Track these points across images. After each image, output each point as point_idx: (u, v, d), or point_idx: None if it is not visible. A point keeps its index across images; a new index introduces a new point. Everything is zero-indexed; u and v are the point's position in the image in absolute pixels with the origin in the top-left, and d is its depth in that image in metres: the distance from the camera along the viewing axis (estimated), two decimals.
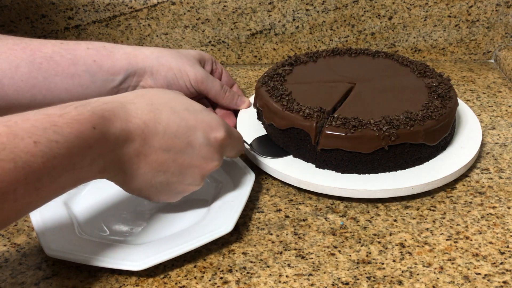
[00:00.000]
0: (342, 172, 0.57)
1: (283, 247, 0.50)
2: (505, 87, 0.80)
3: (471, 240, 0.50)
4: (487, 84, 0.81)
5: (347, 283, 0.46)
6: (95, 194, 0.55)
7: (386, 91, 0.63)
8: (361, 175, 0.56)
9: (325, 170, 0.57)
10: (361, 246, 0.50)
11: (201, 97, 0.66)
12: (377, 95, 0.62)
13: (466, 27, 0.86)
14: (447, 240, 0.50)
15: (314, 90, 0.63)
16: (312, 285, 0.46)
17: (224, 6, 0.83)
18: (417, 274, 0.46)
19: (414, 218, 0.53)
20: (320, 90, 0.63)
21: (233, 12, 0.83)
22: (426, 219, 0.53)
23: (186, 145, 0.46)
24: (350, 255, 0.49)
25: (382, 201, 0.56)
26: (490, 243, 0.50)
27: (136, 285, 0.46)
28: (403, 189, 0.54)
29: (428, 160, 0.58)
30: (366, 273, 0.47)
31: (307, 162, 0.58)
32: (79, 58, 0.58)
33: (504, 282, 0.46)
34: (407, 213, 0.54)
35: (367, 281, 0.46)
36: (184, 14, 0.83)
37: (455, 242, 0.50)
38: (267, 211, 0.55)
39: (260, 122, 0.66)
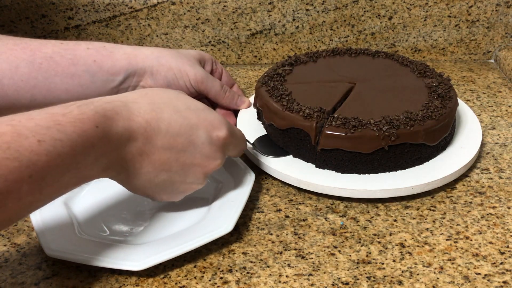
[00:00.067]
0: (342, 172, 0.57)
1: (283, 247, 0.50)
2: (505, 87, 0.80)
3: (471, 240, 0.50)
4: (487, 84, 0.81)
5: (347, 283, 0.46)
6: (95, 194, 0.55)
7: (386, 91, 0.63)
8: (361, 175, 0.56)
9: (325, 170, 0.57)
10: (361, 246, 0.50)
11: (201, 97, 0.66)
12: (377, 95, 0.62)
13: (466, 27, 0.86)
14: (447, 240, 0.50)
15: (314, 90, 0.63)
16: (312, 285, 0.46)
17: (224, 6, 0.83)
18: (417, 274, 0.46)
19: (414, 218, 0.53)
20: (320, 90, 0.63)
21: (233, 12, 0.83)
22: (426, 219, 0.53)
23: (188, 143, 0.46)
24: (350, 255, 0.49)
25: (382, 201, 0.56)
26: (490, 243, 0.50)
27: (136, 285, 0.46)
28: (403, 189, 0.54)
29: (428, 160, 0.58)
30: (366, 273, 0.47)
31: (307, 162, 0.58)
32: (79, 58, 0.58)
33: (504, 282, 0.46)
34: (407, 213, 0.54)
35: (367, 281, 0.46)
36: (184, 14, 0.84)
37: (455, 242, 0.50)
38: (267, 211, 0.55)
39: (260, 122, 0.66)
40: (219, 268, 0.47)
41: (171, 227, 0.51)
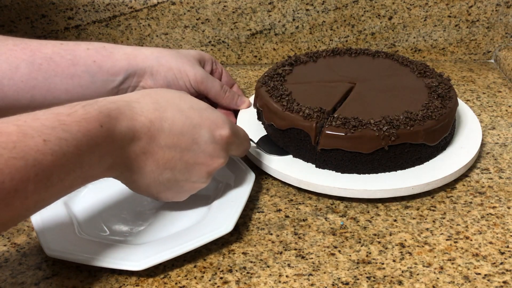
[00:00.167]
0: (342, 172, 0.57)
1: (283, 247, 0.50)
2: (505, 87, 0.80)
3: (471, 240, 0.50)
4: (487, 84, 0.81)
5: (347, 283, 0.46)
6: (95, 194, 0.55)
7: (386, 91, 0.63)
8: (361, 175, 0.56)
9: (325, 170, 0.57)
10: (361, 246, 0.50)
11: (201, 97, 0.66)
12: (377, 95, 0.62)
13: (466, 27, 0.86)
14: (447, 240, 0.50)
15: (314, 90, 0.63)
16: (312, 285, 0.46)
17: (224, 6, 0.83)
18: (417, 274, 0.46)
19: (414, 218, 0.53)
20: (320, 90, 0.63)
21: (233, 12, 0.84)
22: (426, 219, 0.53)
23: (191, 142, 0.46)
24: (350, 255, 0.49)
25: (382, 201, 0.56)
26: (490, 243, 0.50)
27: (136, 285, 0.46)
28: (403, 189, 0.54)
29: (428, 160, 0.58)
30: (366, 273, 0.47)
31: (307, 162, 0.58)
32: (79, 59, 0.58)
33: (504, 282, 0.46)
34: (407, 213, 0.54)
35: (367, 281, 0.46)
36: (184, 14, 0.84)
37: (455, 242, 0.50)
38: (267, 211, 0.55)
39: (260, 122, 0.66)
40: (219, 268, 0.47)
41: (171, 227, 0.51)
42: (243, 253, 0.49)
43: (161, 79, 0.62)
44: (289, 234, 0.51)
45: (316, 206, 0.55)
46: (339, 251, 0.49)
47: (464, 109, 0.68)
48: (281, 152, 0.60)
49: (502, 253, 0.49)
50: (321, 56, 0.72)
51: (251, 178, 0.55)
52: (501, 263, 0.48)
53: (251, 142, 0.58)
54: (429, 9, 0.84)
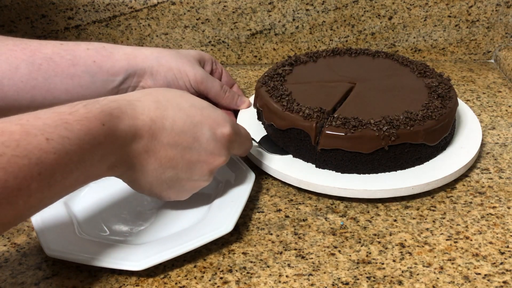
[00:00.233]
0: (342, 172, 0.57)
1: (283, 247, 0.50)
2: (505, 87, 0.80)
3: (471, 240, 0.50)
4: (487, 84, 0.81)
5: (347, 283, 0.46)
6: (95, 194, 0.55)
7: (386, 91, 0.63)
8: (361, 175, 0.56)
9: (325, 170, 0.57)
10: (361, 246, 0.50)
11: (201, 97, 0.66)
12: (377, 95, 0.62)
13: (466, 27, 0.86)
14: (447, 240, 0.50)
15: (314, 90, 0.63)
16: (312, 285, 0.46)
17: (224, 6, 0.83)
18: (417, 274, 0.46)
19: (414, 218, 0.53)
20: (320, 90, 0.63)
21: (233, 12, 0.84)
22: (426, 219, 0.53)
23: (193, 140, 0.46)
24: (350, 255, 0.49)
25: (382, 201, 0.56)
26: (490, 243, 0.50)
27: (136, 285, 0.46)
28: (403, 189, 0.54)
29: (428, 160, 0.58)
30: (366, 273, 0.47)
31: (307, 162, 0.58)
32: (79, 59, 0.58)
33: (504, 282, 0.46)
34: (407, 213, 0.54)
35: (367, 281, 0.46)
36: (184, 14, 0.84)
37: (455, 242, 0.50)
38: (267, 211, 0.55)
39: (260, 122, 0.66)
40: (219, 268, 0.48)
41: (171, 227, 0.51)
42: (243, 253, 0.49)
43: (161, 79, 0.62)
44: (289, 234, 0.51)
45: (316, 206, 0.55)
46: (339, 251, 0.49)
47: (464, 109, 0.68)
48: (283, 151, 0.60)
49: (502, 253, 0.49)
50: (321, 56, 0.72)
51: (251, 178, 0.55)
52: (501, 263, 0.48)
53: (253, 141, 0.58)
54: (429, 9, 0.84)
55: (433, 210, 0.54)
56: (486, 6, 0.84)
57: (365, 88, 0.64)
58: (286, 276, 0.46)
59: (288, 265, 0.48)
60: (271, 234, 0.52)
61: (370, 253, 0.49)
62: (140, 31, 0.85)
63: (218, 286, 0.46)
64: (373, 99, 0.61)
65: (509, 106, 0.74)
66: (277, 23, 0.85)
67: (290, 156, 0.60)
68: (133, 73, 0.61)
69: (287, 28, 0.85)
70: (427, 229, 0.52)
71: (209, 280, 0.46)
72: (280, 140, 0.60)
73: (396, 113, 0.57)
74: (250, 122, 0.66)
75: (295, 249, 0.49)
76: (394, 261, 0.48)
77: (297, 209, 0.55)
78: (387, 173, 0.56)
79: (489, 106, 0.74)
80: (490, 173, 0.60)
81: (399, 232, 0.52)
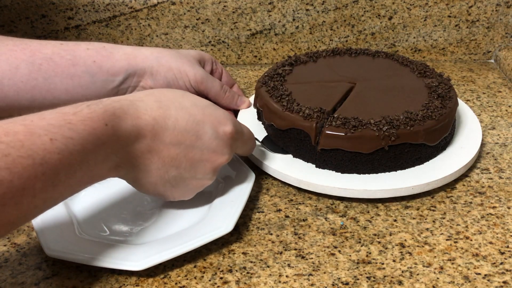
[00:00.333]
0: (342, 172, 0.57)
1: (283, 247, 0.50)
2: (505, 87, 0.80)
3: (471, 240, 0.50)
4: (487, 84, 0.81)
5: (347, 283, 0.46)
6: (95, 194, 0.55)
7: (386, 91, 0.63)
8: (361, 175, 0.56)
9: (325, 170, 0.57)
10: (361, 246, 0.50)
11: (201, 97, 0.66)
12: (377, 95, 0.62)
13: (466, 27, 0.86)
14: (447, 240, 0.50)
15: (314, 90, 0.63)
16: (312, 285, 0.46)
17: (224, 6, 0.83)
18: (417, 274, 0.46)
19: (414, 218, 0.53)
20: (320, 90, 0.63)
21: (233, 12, 0.84)
22: (426, 219, 0.53)
23: (196, 139, 0.47)
24: (350, 255, 0.49)
25: (382, 201, 0.56)
26: (490, 243, 0.50)
27: (136, 285, 0.46)
28: (403, 189, 0.54)
29: (428, 160, 0.58)
30: (366, 273, 0.47)
31: (307, 162, 0.58)
32: (79, 59, 0.58)
33: (504, 282, 0.46)
34: (407, 213, 0.54)
35: (367, 281, 0.46)
36: (184, 14, 0.84)
37: (455, 242, 0.50)
38: (267, 211, 0.55)
39: (260, 122, 0.66)
40: (219, 268, 0.48)
41: (171, 227, 0.51)
42: (243, 253, 0.49)
43: (161, 79, 0.62)
44: (289, 234, 0.51)
45: (316, 206, 0.55)
46: (339, 251, 0.49)
47: (464, 109, 0.68)
48: (285, 151, 0.60)
49: (502, 253, 0.49)
50: (321, 56, 0.72)
51: (251, 178, 0.55)
52: (501, 263, 0.48)
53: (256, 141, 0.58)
54: (429, 9, 0.84)
55: (433, 210, 0.54)
56: (486, 6, 0.84)
57: (365, 88, 0.64)
58: (286, 276, 0.46)
59: (288, 265, 0.48)
60: (271, 234, 0.52)
61: (370, 253, 0.49)
62: (140, 31, 0.85)
63: (218, 286, 0.46)
64: (373, 99, 0.61)
65: (509, 106, 0.74)
66: (277, 23, 0.85)
67: (290, 156, 0.60)
68: (133, 73, 0.61)
69: (287, 28, 0.85)
70: (427, 229, 0.52)
71: (209, 280, 0.46)
72: (280, 140, 0.60)
73: (396, 113, 0.57)
74: (250, 122, 0.66)
75: (295, 249, 0.49)
76: (394, 261, 0.48)
77: (297, 209, 0.55)
78: (387, 173, 0.56)
79: (489, 106, 0.74)
80: (490, 173, 0.60)
81: (399, 232, 0.52)
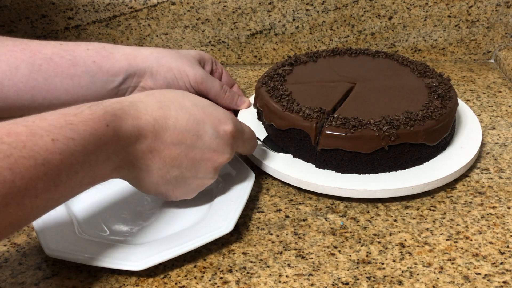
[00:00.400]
0: (342, 172, 0.57)
1: (283, 247, 0.50)
2: (505, 87, 0.80)
3: (471, 240, 0.50)
4: (487, 84, 0.81)
5: (347, 283, 0.46)
6: (95, 194, 0.55)
7: (386, 91, 0.63)
8: (361, 175, 0.56)
9: (325, 170, 0.57)
10: (361, 246, 0.50)
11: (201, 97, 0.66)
12: (377, 95, 0.62)
13: (466, 27, 0.86)
14: (447, 240, 0.50)
15: (314, 90, 0.63)
16: (312, 285, 0.46)
17: (224, 6, 0.83)
18: (417, 274, 0.46)
19: (414, 218, 0.53)
20: (320, 90, 0.63)
21: (233, 12, 0.84)
22: (426, 219, 0.53)
23: (196, 138, 0.47)
24: (350, 255, 0.49)
25: (382, 201, 0.56)
26: (490, 243, 0.50)
27: (136, 285, 0.46)
28: (403, 189, 0.54)
29: (428, 160, 0.58)
30: (366, 273, 0.47)
31: (307, 162, 0.58)
32: (79, 59, 0.58)
33: (504, 282, 0.46)
34: (407, 213, 0.54)
35: (367, 281, 0.46)
36: (184, 14, 0.84)
37: (455, 242, 0.50)
38: (267, 211, 0.55)
39: (261, 122, 0.66)
40: (219, 268, 0.48)
41: (171, 227, 0.51)
42: (243, 253, 0.49)
43: (161, 80, 0.62)
44: (289, 234, 0.51)
45: (316, 206, 0.55)
46: (339, 251, 0.49)
47: (464, 109, 0.68)
48: (286, 151, 0.60)
49: (502, 253, 0.49)
50: (321, 56, 0.72)
51: (251, 178, 0.55)
52: (501, 263, 0.48)
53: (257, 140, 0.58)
54: (429, 9, 0.84)
55: (433, 210, 0.54)
56: (486, 6, 0.84)
57: (365, 88, 0.64)
58: (286, 276, 0.46)
59: (288, 265, 0.48)
60: (271, 234, 0.52)
61: (370, 253, 0.49)
62: (140, 31, 0.85)
63: (218, 286, 0.46)
64: (373, 99, 0.61)
65: (509, 106, 0.74)
66: (277, 23, 0.85)
67: (291, 155, 0.60)
68: (133, 74, 0.61)
69: (287, 28, 0.85)
70: (427, 229, 0.52)
71: (209, 280, 0.46)
72: (280, 140, 0.60)
73: (396, 113, 0.57)
74: (250, 122, 0.66)
75: (295, 249, 0.49)
76: (394, 261, 0.48)
77: (297, 209, 0.55)
78: (387, 173, 0.56)
79: (489, 106, 0.74)
80: (490, 173, 0.60)
81: (399, 232, 0.52)
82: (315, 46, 0.87)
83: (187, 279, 0.46)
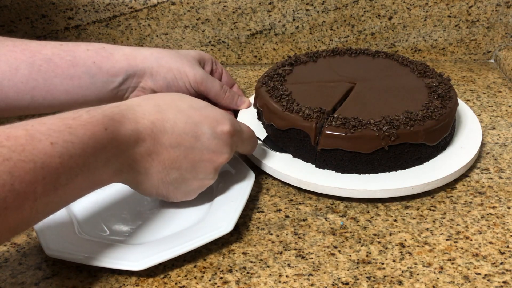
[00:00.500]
0: (342, 172, 0.57)
1: (283, 247, 0.50)
2: (505, 87, 0.80)
3: (471, 240, 0.50)
4: (487, 84, 0.81)
5: (347, 283, 0.46)
6: (95, 194, 0.55)
7: (386, 91, 0.63)
8: (361, 175, 0.56)
9: (325, 170, 0.57)
10: (361, 246, 0.50)
11: (201, 98, 0.66)
12: (377, 95, 0.62)
13: (466, 27, 0.86)
14: (447, 240, 0.50)
15: (314, 90, 0.63)
16: (312, 285, 0.46)
17: (224, 6, 0.83)
18: (417, 274, 0.46)
19: (414, 218, 0.53)
20: (320, 90, 0.63)
21: (233, 12, 0.84)
22: (426, 219, 0.53)
23: (194, 140, 0.47)
24: (350, 255, 0.49)
25: (382, 201, 0.56)
26: (490, 243, 0.50)
27: (136, 285, 0.46)
28: (403, 189, 0.54)
29: (428, 160, 0.58)
30: (366, 273, 0.47)
31: (307, 162, 0.58)
32: (79, 60, 0.58)
33: (504, 282, 0.46)
34: (407, 213, 0.54)
35: (367, 281, 0.46)
36: (184, 14, 0.84)
37: (455, 242, 0.50)
38: (267, 211, 0.55)
39: (260, 122, 0.66)
40: (219, 268, 0.48)
41: (172, 227, 0.51)
42: (243, 253, 0.49)
43: (161, 80, 0.62)
44: (289, 234, 0.51)
45: (316, 206, 0.55)
46: (339, 251, 0.49)
47: (464, 109, 0.68)
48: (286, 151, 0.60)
49: (502, 253, 0.49)
50: (321, 56, 0.72)
51: (251, 178, 0.55)
52: (501, 263, 0.48)
53: (257, 140, 0.58)
54: (429, 9, 0.84)
55: (433, 210, 0.54)
56: (486, 6, 0.84)
57: (365, 88, 0.64)
58: (286, 276, 0.46)
59: (288, 265, 0.48)
60: (271, 234, 0.52)
61: (370, 253, 0.49)
62: (140, 31, 0.85)
63: (218, 286, 0.46)
64: (373, 99, 0.61)
65: (509, 106, 0.74)
66: (277, 23, 0.85)
67: (291, 155, 0.60)
68: (132, 74, 0.61)
69: (287, 28, 0.85)
70: (427, 229, 0.52)
71: (209, 280, 0.46)
72: (280, 140, 0.60)
73: (396, 113, 0.57)
74: (250, 122, 0.66)
75: (295, 249, 0.49)
76: (394, 261, 0.48)
77: (297, 209, 0.55)
78: (387, 173, 0.56)
79: (489, 106, 0.74)
80: (490, 173, 0.60)
81: (399, 232, 0.52)
82: (315, 46, 0.87)
83: (187, 279, 0.46)
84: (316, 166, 0.58)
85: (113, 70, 0.59)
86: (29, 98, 0.57)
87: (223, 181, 0.56)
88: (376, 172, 0.56)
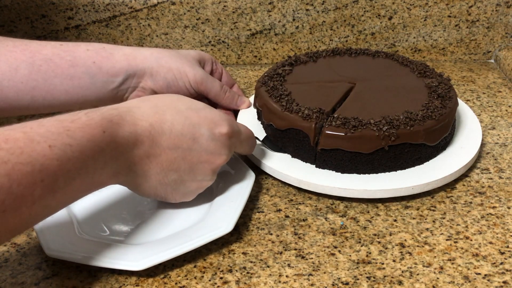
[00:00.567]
0: (342, 172, 0.57)
1: (283, 247, 0.50)
2: (505, 87, 0.80)
3: (471, 240, 0.50)
4: (487, 84, 0.81)
5: (347, 283, 0.46)
6: (95, 194, 0.55)
7: (386, 91, 0.63)
8: (361, 175, 0.56)
9: (325, 170, 0.57)
10: (361, 246, 0.50)
11: (201, 98, 0.66)
12: (377, 95, 0.62)
13: (466, 27, 0.86)
14: (447, 240, 0.50)
15: (314, 90, 0.63)
16: (312, 285, 0.46)
17: (224, 6, 0.83)
18: (417, 274, 0.46)
19: (414, 218, 0.53)
20: (320, 90, 0.63)
21: (233, 12, 0.84)
22: (426, 219, 0.53)
23: (192, 142, 0.47)
24: (350, 255, 0.49)
25: (382, 201, 0.56)
26: (490, 243, 0.50)
27: (136, 285, 0.46)
28: (403, 189, 0.54)
29: (428, 160, 0.58)
30: (366, 273, 0.47)
31: (306, 162, 0.58)
32: (79, 60, 0.58)
33: (504, 282, 0.46)
34: (407, 213, 0.54)
35: (367, 281, 0.46)
36: (184, 14, 0.84)
37: (455, 242, 0.50)
38: (267, 211, 0.55)
39: (260, 122, 0.66)
40: (219, 268, 0.48)
41: (171, 227, 0.51)
42: (243, 253, 0.49)
43: (161, 80, 0.62)
44: (289, 234, 0.51)
45: (316, 206, 0.55)
46: (339, 251, 0.49)
47: (464, 109, 0.68)
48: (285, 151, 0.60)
49: (502, 253, 0.49)
50: (321, 56, 0.72)
51: (251, 178, 0.55)
52: (501, 263, 0.48)
53: (256, 140, 0.58)
54: (429, 9, 0.84)
55: (433, 210, 0.54)
56: (486, 6, 0.84)
57: (365, 88, 0.64)
58: (286, 276, 0.46)
59: (288, 265, 0.48)
60: (271, 234, 0.52)
61: (370, 253, 0.49)
62: (140, 31, 0.85)
63: (218, 286, 0.46)
64: (373, 99, 0.61)
65: (509, 106, 0.74)
66: (277, 23, 0.85)
67: (290, 156, 0.60)
68: (132, 74, 0.61)
69: (287, 28, 0.85)
70: (427, 229, 0.52)
71: (209, 280, 0.46)
72: (279, 140, 0.60)
73: (396, 113, 0.57)
74: (250, 122, 0.66)
75: (295, 249, 0.49)
76: (394, 261, 0.48)
77: (297, 209, 0.55)
78: (387, 173, 0.56)
79: (489, 106, 0.74)
80: (490, 173, 0.60)
81: (399, 232, 0.52)
82: (315, 46, 0.87)
83: (187, 279, 0.46)
84: (316, 166, 0.58)
85: (113, 70, 0.59)
86: (29, 98, 0.57)
87: (223, 181, 0.56)
88: (376, 172, 0.56)
